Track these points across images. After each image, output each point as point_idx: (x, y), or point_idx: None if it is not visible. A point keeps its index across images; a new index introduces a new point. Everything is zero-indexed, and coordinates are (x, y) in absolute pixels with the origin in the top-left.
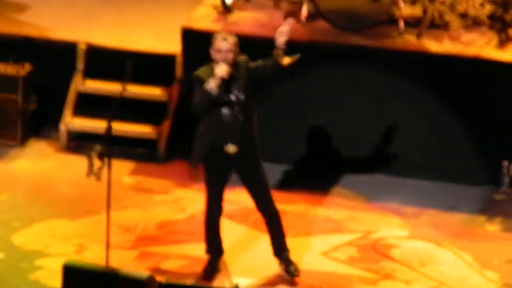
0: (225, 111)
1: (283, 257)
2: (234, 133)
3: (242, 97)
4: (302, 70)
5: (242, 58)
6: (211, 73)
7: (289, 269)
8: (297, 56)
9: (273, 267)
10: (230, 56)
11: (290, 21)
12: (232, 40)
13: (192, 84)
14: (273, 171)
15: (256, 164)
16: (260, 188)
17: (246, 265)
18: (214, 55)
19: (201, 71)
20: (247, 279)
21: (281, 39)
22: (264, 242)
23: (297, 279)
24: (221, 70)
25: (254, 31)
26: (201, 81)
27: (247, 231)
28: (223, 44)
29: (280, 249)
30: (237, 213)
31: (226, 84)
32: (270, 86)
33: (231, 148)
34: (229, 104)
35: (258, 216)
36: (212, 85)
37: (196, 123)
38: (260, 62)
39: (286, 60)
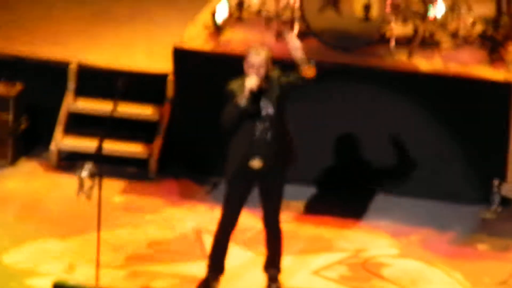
0: (254, 125)
1: (271, 274)
2: (261, 148)
3: (272, 112)
4: None
5: (275, 73)
6: (243, 85)
7: (271, 286)
8: (312, 62)
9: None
10: (263, 70)
11: (289, 34)
12: (264, 54)
13: (225, 97)
14: None
15: (281, 182)
16: (275, 206)
17: (237, 285)
18: (247, 69)
19: (233, 83)
20: None
21: (297, 54)
22: (254, 261)
23: None
24: (251, 82)
25: (245, 51)
26: (232, 94)
27: (238, 250)
28: (256, 59)
29: (271, 265)
30: None
31: (257, 98)
32: None
33: (256, 163)
34: (259, 118)
35: (249, 235)
36: (241, 97)
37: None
38: (290, 77)
39: (311, 72)
